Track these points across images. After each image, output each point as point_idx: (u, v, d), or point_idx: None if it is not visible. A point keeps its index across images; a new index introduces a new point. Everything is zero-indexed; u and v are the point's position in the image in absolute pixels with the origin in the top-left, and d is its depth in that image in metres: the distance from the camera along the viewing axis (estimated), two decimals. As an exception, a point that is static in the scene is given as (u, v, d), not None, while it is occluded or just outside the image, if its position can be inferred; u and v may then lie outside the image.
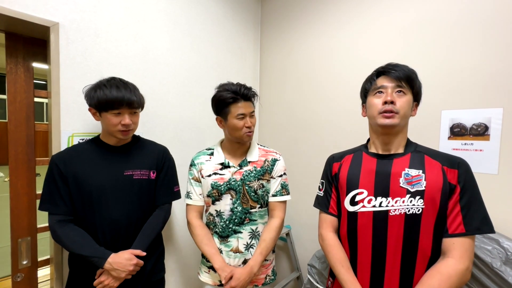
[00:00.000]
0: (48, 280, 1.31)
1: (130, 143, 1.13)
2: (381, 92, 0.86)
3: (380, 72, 0.88)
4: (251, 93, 1.13)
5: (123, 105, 0.98)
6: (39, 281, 1.22)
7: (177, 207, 1.50)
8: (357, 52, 1.52)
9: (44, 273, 1.41)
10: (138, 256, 1.00)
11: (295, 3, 1.82)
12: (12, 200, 1.13)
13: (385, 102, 0.83)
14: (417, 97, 0.88)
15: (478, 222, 0.77)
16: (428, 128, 1.27)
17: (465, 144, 1.18)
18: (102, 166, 1.04)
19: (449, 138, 1.22)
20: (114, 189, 1.03)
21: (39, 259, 1.21)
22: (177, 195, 1.22)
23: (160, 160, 1.16)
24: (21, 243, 1.14)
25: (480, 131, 1.14)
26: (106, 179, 1.02)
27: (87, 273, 1.00)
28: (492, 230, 0.77)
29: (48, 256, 1.25)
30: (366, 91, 0.92)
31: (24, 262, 1.15)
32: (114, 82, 1.00)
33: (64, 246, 0.97)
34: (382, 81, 0.86)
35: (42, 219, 1.17)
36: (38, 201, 1.13)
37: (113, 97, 0.96)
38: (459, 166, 0.80)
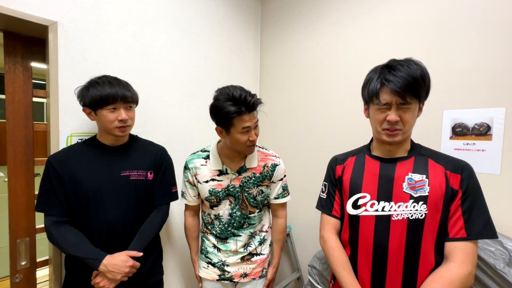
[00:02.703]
0: (47, 280, 1.30)
1: (127, 143, 1.11)
2: (385, 106, 0.80)
3: (383, 83, 0.80)
4: (257, 102, 0.99)
5: (117, 100, 0.97)
6: (37, 282, 1.21)
7: (176, 207, 1.49)
8: (358, 52, 1.51)
9: (42, 273, 1.40)
10: (134, 258, 0.99)
11: (295, 3, 1.80)
12: (10, 200, 1.12)
13: (389, 121, 0.79)
14: (425, 97, 0.83)
15: (480, 226, 0.75)
16: (430, 128, 1.25)
17: (467, 144, 1.17)
18: (99, 166, 1.03)
19: (451, 138, 1.21)
20: (111, 189, 1.02)
21: (38, 259, 1.20)
22: (175, 196, 1.21)
23: (158, 160, 1.15)
24: (20, 244, 1.14)
25: (482, 131, 1.13)
26: (102, 179, 1.01)
27: (83, 275, 0.99)
28: (494, 235, 0.76)
29: (47, 257, 1.25)
30: (368, 95, 0.86)
31: (23, 263, 1.14)
32: (106, 79, 0.99)
33: (59, 247, 0.96)
34: (385, 96, 0.79)
35: (41, 219, 1.16)
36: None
37: (107, 93, 0.96)
38: (462, 170, 0.79)
